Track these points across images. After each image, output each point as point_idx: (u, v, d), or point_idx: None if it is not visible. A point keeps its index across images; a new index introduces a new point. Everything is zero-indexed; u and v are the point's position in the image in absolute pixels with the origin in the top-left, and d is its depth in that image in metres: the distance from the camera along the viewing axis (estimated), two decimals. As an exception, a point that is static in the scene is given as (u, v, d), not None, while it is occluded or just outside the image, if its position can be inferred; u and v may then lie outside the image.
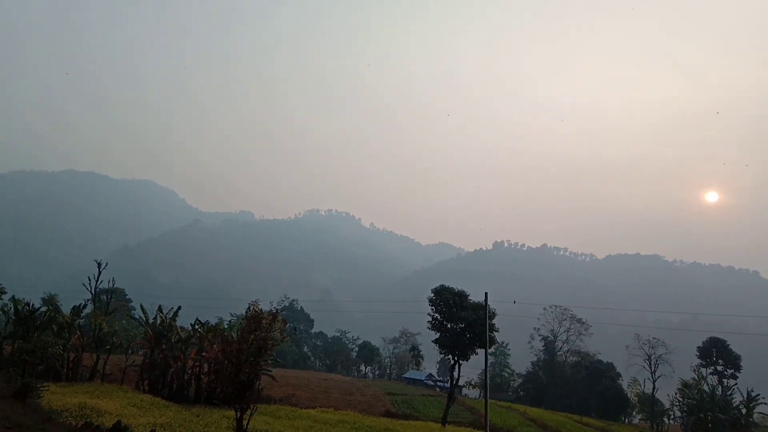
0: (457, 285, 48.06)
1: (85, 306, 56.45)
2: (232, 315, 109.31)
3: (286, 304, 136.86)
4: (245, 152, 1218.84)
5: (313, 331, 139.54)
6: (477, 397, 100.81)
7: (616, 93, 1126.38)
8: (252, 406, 19.73)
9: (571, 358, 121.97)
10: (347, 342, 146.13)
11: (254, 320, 20.33)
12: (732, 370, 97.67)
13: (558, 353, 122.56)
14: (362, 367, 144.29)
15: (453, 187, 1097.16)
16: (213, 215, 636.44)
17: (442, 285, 47.36)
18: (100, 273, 61.71)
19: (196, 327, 51.50)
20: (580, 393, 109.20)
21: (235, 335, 24.97)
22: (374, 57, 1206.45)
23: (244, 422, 19.54)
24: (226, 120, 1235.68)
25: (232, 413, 21.17)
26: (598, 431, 71.62)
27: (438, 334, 45.88)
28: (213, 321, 74.70)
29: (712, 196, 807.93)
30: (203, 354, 47.95)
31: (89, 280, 61.89)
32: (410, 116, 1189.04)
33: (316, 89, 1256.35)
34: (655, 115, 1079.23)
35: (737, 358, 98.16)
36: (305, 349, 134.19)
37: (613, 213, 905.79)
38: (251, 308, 21.07)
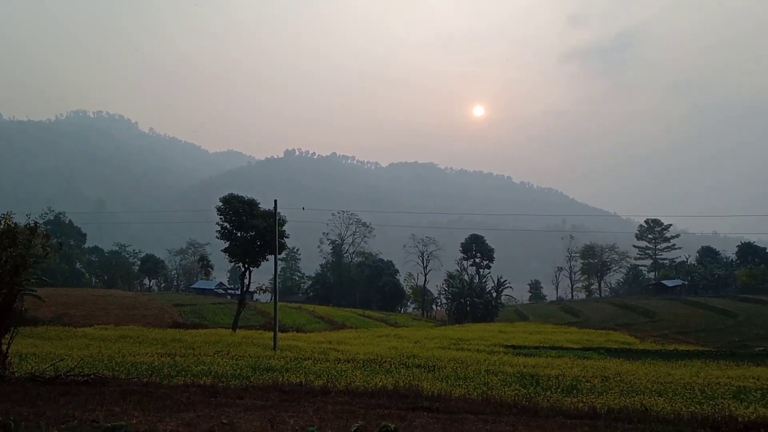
0: (247, 194, 47.44)
1: None
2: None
3: (51, 218, 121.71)
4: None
5: (86, 246, 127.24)
6: (268, 301, 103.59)
7: (402, 12, 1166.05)
8: (12, 329, 17.62)
9: (356, 258, 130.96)
10: (128, 256, 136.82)
11: (7, 236, 17.71)
12: (487, 261, 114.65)
13: (345, 255, 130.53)
14: (146, 281, 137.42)
15: (243, 93, 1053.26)
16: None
17: (231, 194, 46.32)
18: None
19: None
20: (364, 290, 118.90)
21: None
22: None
23: (3, 347, 17.46)
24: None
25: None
26: (378, 321, 79.34)
27: (228, 243, 45.34)
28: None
29: (478, 111, 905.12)
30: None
31: None
32: (195, 13, 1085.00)
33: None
34: (432, 33, 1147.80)
35: (492, 251, 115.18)
36: (78, 265, 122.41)
37: (396, 124, 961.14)
38: (2, 223, 18.25)
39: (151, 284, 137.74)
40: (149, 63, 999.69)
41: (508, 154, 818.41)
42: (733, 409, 15.68)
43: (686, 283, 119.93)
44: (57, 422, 10.37)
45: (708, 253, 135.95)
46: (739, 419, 14.07)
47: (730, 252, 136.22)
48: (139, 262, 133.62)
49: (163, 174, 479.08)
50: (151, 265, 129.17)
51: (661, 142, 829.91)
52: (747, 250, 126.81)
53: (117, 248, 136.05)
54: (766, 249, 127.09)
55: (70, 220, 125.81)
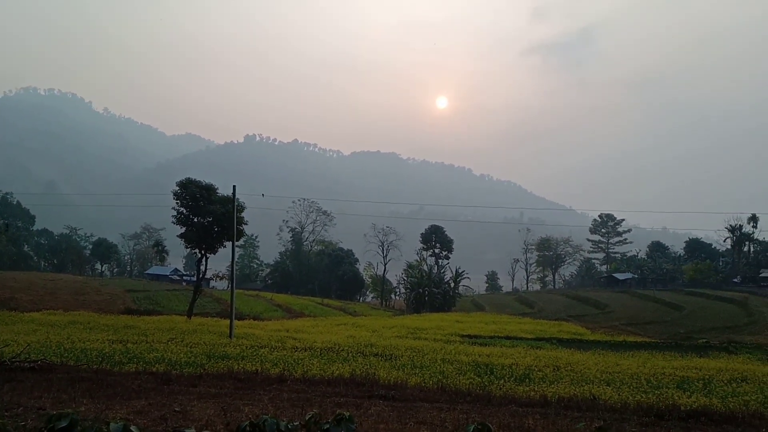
0: (206, 179, 46.41)
1: None
2: None
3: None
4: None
5: (34, 228, 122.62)
6: (225, 288, 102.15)
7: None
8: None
9: (316, 247, 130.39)
10: (79, 240, 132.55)
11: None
12: (446, 252, 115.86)
13: (305, 243, 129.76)
14: (98, 266, 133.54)
15: (203, 75, 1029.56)
16: None
17: (188, 178, 45.27)
18: None
19: None
20: (323, 278, 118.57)
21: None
22: None
23: (-57, 333, 16.72)
24: None
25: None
26: (336, 310, 79.31)
27: (184, 229, 44.38)
28: None
29: (441, 102, 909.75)
30: None
31: None
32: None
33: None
34: (395, 20, 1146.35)
35: (451, 241, 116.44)
36: (26, 248, 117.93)
37: (359, 113, 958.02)
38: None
39: (103, 269, 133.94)
40: (104, 40, 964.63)
41: (470, 146, 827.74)
42: (677, 398, 16.34)
43: (636, 276, 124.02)
44: (0, 410, 10.01)
45: (657, 248, 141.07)
46: (682, 408, 14.69)
47: (678, 247, 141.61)
48: (90, 246, 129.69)
49: (118, 156, 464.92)
50: (104, 250, 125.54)
51: (618, 139, 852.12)
52: (694, 245, 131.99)
53: (67, 231, 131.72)
54: (712, 245, 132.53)
55: (18, 201, 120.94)
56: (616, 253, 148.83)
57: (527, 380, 19.37)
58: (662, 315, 73.17)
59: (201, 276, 47.15)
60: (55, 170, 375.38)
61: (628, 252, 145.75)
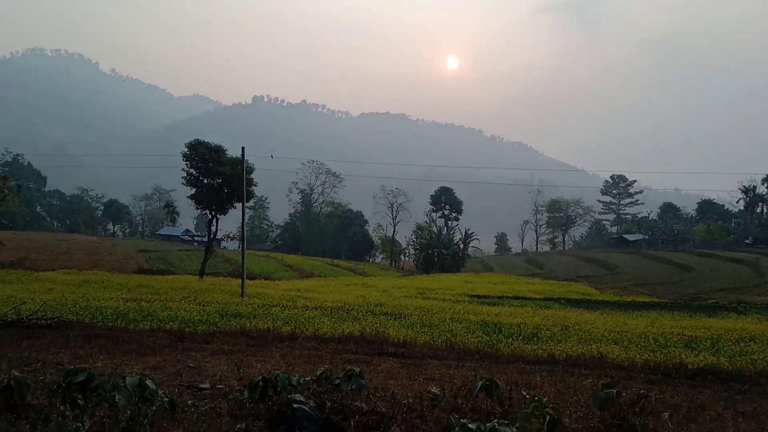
0: (214, 140, 46.29)
1: None
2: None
3: (9, 159, 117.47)
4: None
5: (45, 189, 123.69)
6: (236, 248, 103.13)
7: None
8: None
9: (325, 208, 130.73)
10: (90, 201, 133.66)
11: (-38, 176, 17.02)
12: (455, 214, 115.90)
13: (314, 204, 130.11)
14: (110, 227, 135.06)
15: (210, 35, 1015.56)
16: None
17: (197, 139, 45.15)
18: None
19: None
20: (333, 239, 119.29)
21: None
22: None
23: (-38, 292, 17.07)
24: None
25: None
26: (346, 270, 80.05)
27: (194, 190, 44.53)
28: None
29: (452, 62, 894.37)
30: None
31: None
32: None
33: None
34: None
35: (460, 203, 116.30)
36: (38, 209, 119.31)
37: (368, 74, 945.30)
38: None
39: (115, 230, 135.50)
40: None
41: (480, 108, 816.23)
42: (684, 357, 16.47)
43: (647, 237, 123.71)
44: (20, 364, 10.28)
45: (669, 209, 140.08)
46: (689, 366, 14.82)
47: (690, 208, 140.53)
48: (102, 207, 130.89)
49: (127, 117, 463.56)
50: (115, 211, 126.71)
51: (629, 99, 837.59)
52: (706, 207, 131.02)
53: (79, 192, 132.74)
54: (724, 206, 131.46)
55: (29, 162, 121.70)
56: (627, 214, 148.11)
57: (535, 339, 19.58)
58: (672, 276, 73.22)
59: (212, 237, 47.53)
60: (65, 131, 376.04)
61: (639, 213, 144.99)
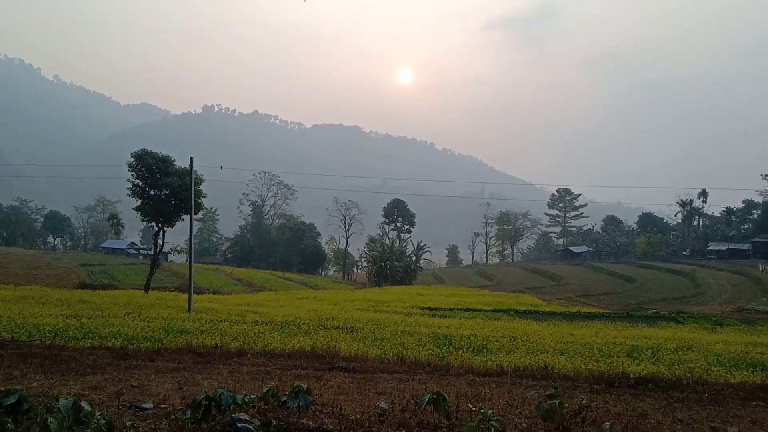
0: (162, 150, 45.21)
1: None
2: None
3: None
4: None
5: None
6: (184, 262, 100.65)
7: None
8: None
9: (277, 220, 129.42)
10: (29, 212, 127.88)
11: None
12: (408, 226, 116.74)
13: (265, 217, 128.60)
14: (51, 240, 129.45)
15: (159, 42, 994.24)
16: None
17: (144, 149, 44.00)
18: None
19: None
20: (285, 252, 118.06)
21: None
22: None
23: None
24: None
25: None
26: (298, 283, 79.22)
27: (140, 202, 43.28)
28: None
29: (404, 76, 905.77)
30: None
31: None
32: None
33: None
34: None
35: (413, 215, 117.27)
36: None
37: (321, 86, 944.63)
38: None
39: (56, 243, 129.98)
40: (51, 2, 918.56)
41: (433, 121, 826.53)
42: (627, 366, 17.01)
43: (591, 249, 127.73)
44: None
45: (612, 222, 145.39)
46: (631, 375, 15.30)
47: (632, 221, 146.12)
48: (42, 219, 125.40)
49: (70, 125, 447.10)
50: (56, 222, 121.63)
51: (576, 115, 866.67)
52: (647, 219, 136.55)
53: (17, 203, 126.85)
54: (664, 219, 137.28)
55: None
56: (572, 226, 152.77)
57: (485, 351, 19.81)
58: (615, 287, 75.77)
59: (159, 250, 46.23)
60: (3, 140, 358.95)
61: (584, 226, 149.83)
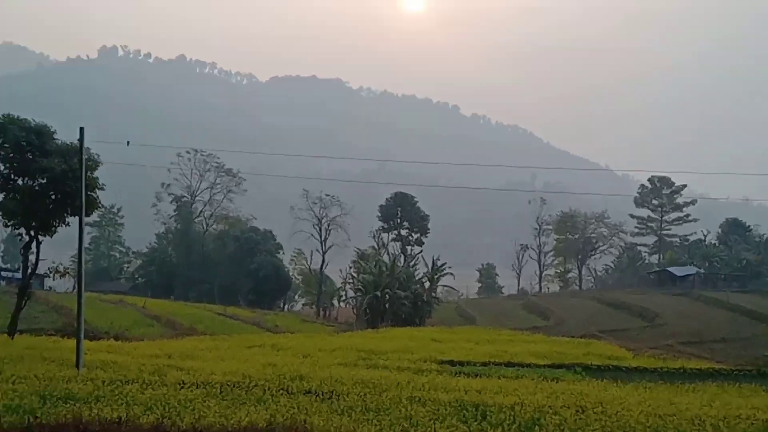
0: (37, 116, 45.34)
1: None
2: None
3: None
4: None
5: None
6: (69, 290, 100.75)
7: None
8: None
9: (215, 226, 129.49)
10: None
11: None
12: (418, 235, 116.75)
13: (197, 219, 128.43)
14: None
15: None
16: None
17: (8, 114, 44.11)
18: None
19: None
20: (226, 275, 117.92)
21: None
22: None
23: None
24: None
25: None
26: (248, 323, 79.12)
27: (1, 196, 43.43)
28: None
29: (414, 2, 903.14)
30: None
31: None
32: None
33: None
34: None
35: (426, 218, 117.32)
36: None
37: (284, 18, 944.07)
38: None
39: None
40: None
41: (457, 73, 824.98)
42: (758, 453, 17.00)
43: (702, 271, 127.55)
44: None
45: (735, 229, 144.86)
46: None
47: (766, 228, 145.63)
48: None
49: None
50: None
51: (679, 64, 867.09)
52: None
53: None
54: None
55: None
56: (673, 235, 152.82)
57: (537, 428, 19.81)
58: (740, 329, 75.78)
59: (30, 271, 46.24)
60: None
61: (691, 235, 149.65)
